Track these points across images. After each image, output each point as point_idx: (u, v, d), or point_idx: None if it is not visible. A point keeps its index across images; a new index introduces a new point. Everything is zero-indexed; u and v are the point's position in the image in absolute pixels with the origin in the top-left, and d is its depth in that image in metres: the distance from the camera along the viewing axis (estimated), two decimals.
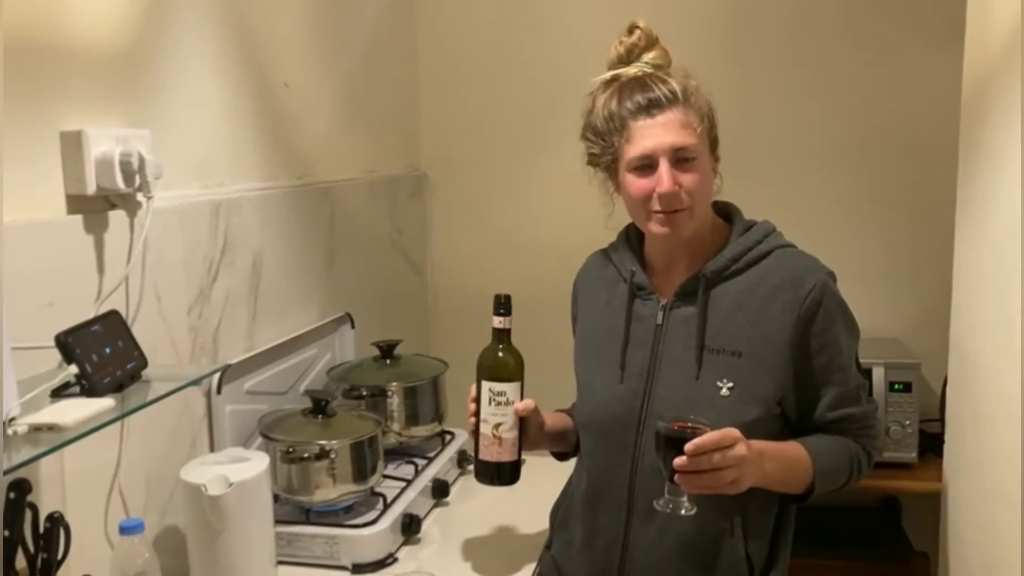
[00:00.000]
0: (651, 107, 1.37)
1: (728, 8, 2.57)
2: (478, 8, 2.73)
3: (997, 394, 1.37)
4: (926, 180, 2.42)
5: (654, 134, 1.36)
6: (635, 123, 1.38)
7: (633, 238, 1.54)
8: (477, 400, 1.46)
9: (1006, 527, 1.32)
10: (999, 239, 1.38)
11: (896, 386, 2.27)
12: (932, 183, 2.30)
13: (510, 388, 1.44)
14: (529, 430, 1.48)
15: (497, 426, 1.44)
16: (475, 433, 1.47)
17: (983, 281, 1.46)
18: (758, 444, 1.29)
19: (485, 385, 1.44)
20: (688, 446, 1.21)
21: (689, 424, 1.24)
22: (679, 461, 1.22)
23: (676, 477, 1.24)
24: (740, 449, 1.23)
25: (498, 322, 1.46)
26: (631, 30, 1.44)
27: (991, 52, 1.43)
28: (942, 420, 1.74)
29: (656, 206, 1.37)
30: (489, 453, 1.45)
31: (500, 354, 1.46)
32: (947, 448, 1.67)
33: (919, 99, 2.45)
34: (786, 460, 1.36)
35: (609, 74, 1.44)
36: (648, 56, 1.42)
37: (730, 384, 1.36)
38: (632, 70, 1.42)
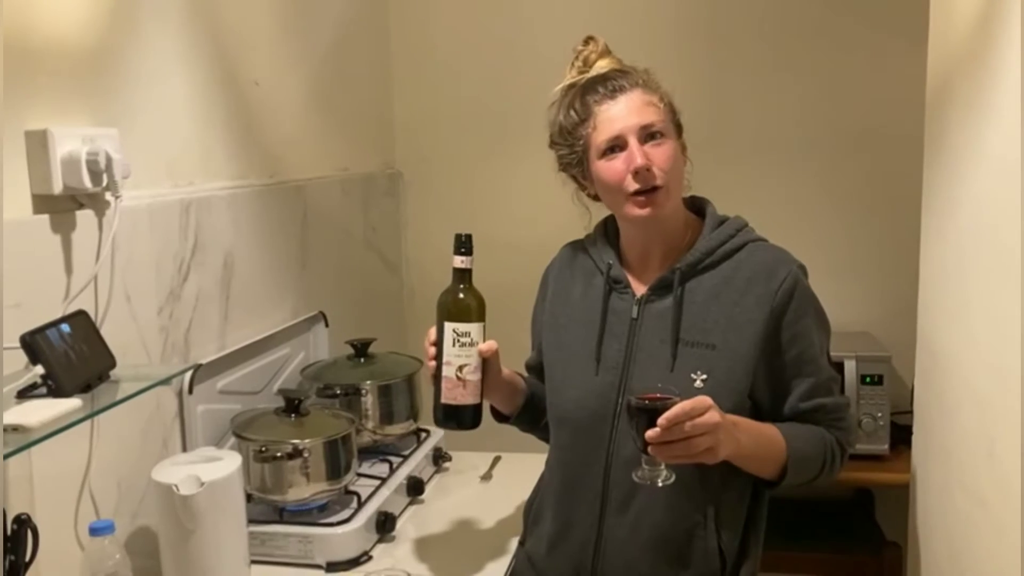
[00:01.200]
0: (614, 92, 1.41)
1: (699, 7, 2.58)
2: (452, 5, 2.73)
3: (963, 386, 1.38)
4: (895, 174, 2.44)
5: (620, 115, 1.39)
6: (599, 108, 1.41)
7: (611, 232, 1.55)
8: (438, 343, 1.43)
9: (972, 518, 1.33)
10: (962, 234, 1.40)
11: (867, 379, 2.29)
12: (901, 177, 2.31)
13: (474, 329, 1.42)
14: (489, 374, 1.46)
15: (461, 368, 1.41)
16: (435, 377, 1.43)
17: (948, 276, 1.48)
18: (732, 416, 1.30)
19: (448, 326, 1.41)
20: (660, 419, 1.21)
21: (659, 395, 1.25)
22: (651, 433, 1.22)
23: (650, 449, 1.24)
24: (712, 416, 1.23)
25: (460, 262, 1.43)
26: (586, 41, 1.49)
27: (953, 49, 1.45)
28: (913, 412, 1.76)
29: (632, 186, 1.38)
30: (452, 396, 1.41)
31: (462, 295, 1.43)
32: (915, 440, 1.69)
33: (889, 94, 2.47)
34: (760, 436, 1.36)
35: (567, 81, 1.48)
36: (602, 63, 1.47)
37: (704, 376, 1.38)
38: (592, 73, 1.46)
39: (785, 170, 2.57)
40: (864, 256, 2.56)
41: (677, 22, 2.57)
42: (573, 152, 1.46)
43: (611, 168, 1.40)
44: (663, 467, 1.28)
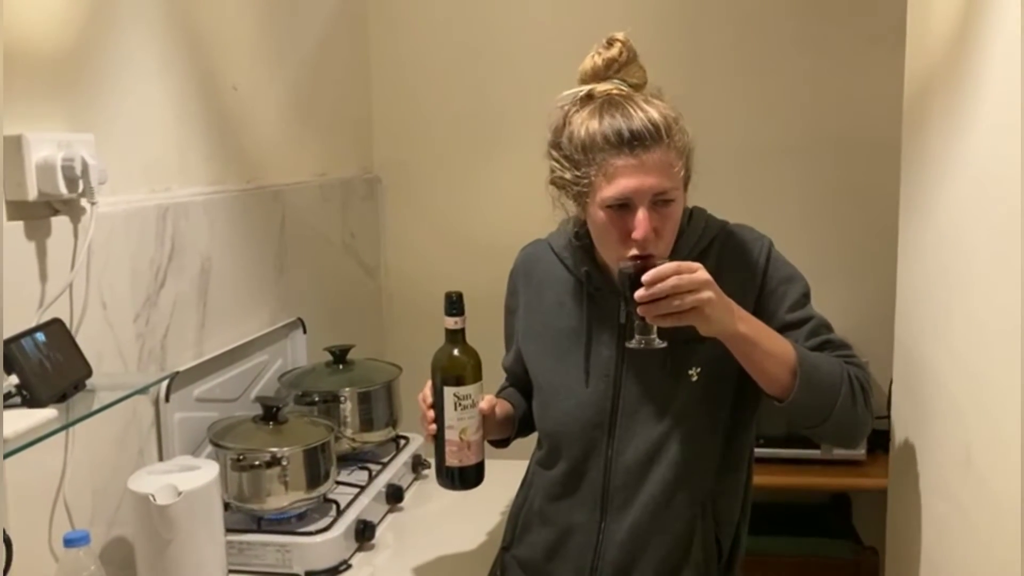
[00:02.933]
0: (634, 144, 1.28)
1: (677, 14, 2.59)
2: (431, 10, 2.72)
3: (940, 393, 1.39)
4: (872, 181, 2.46)
5: (636, 176, 1.28)
6: (615, 161, 1.29)
7: (583, 234, 1.47)
8: (436, 406, 1.41)
9: (949, 523, 1.34)
10: (941, 241, 1.41)
11: None
12: (878, 184, 2.33)
13: (473, 390, 1.40)
14: (488, 425, 1.45)
15: (464, 430, 1.40)
16: (435, 438, 1.42)
17: (926, 283, 1.49)
18: (731, 300, 1.28)
19: (448, 391, 1.39)
20: (646, 275, 1.21)
21: (651, 262, 1.25)
22: (639, 292, 1.21)
23: (639, 309, 1.24)
24: (701, 274, 1.22)
25: (452, 323, 1.41)
26: (611, 43, 1.37)
27: (931, 57, 1.46)
28: (890, 418, 1.77)
29: (630, 250, 1.31)
30: (456, 458, 1.41)
31: (458, 355, 1.41)
32: (893, 445, 1.70)
33: (865, 102, 2.49)
34: (763, 326, 1.32)
35: (584, 89, 1.37)
36: (626, 72, 1.37)
37: (699, 369, 1.39)
38: (607, 86, 1.36)
39: (761, 176, 2.59)
40: (840, 262, 2.57)
41: (655, 28, 2.58)
42: (576, 183, 1.35)
43: (612, 225, 1.32)
44: (655, 332, 1.28)
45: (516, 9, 2.67)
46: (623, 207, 1.31)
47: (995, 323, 1.15)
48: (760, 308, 1.40)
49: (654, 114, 1.30)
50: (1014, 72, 1.08)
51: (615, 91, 1.35)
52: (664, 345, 1.29)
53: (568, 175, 1.35)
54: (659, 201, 1.30)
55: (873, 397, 1.41)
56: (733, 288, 1.36)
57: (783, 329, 1.38)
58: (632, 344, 1.30)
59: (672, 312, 1.22)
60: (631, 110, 1.30)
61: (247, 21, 2.05)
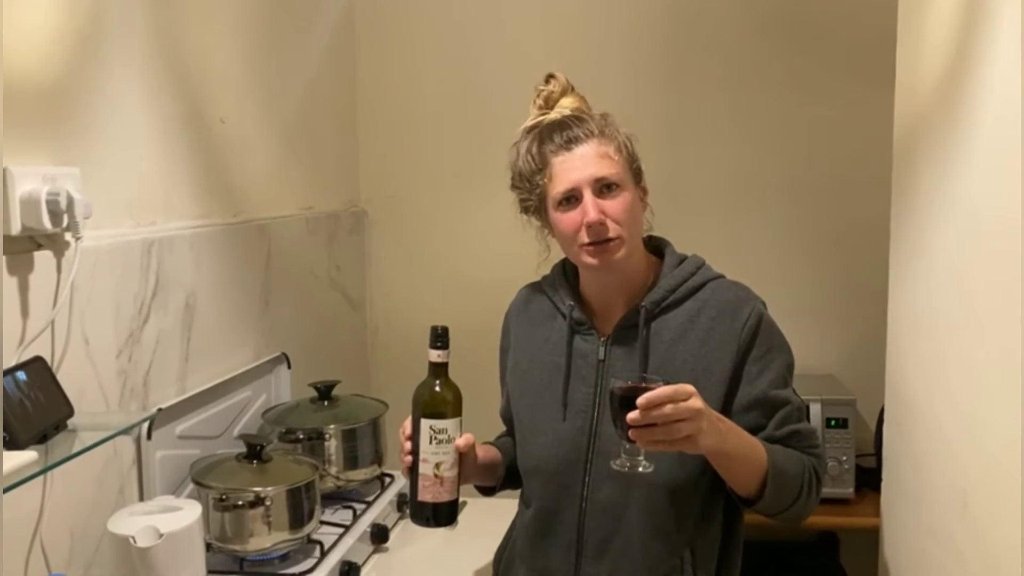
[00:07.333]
0: (569, 143, 1.40)
1: (663, 53, 2.60)
2: (418, 46, 2.73)
3: (934, 436, 1.39)
4: (859, 216, 2.46)
5: (574, 168, 1.39)
6: (555, 159, 1.41)
7: (570, 273, 1.54)
8: (414, 438, 1.40)
9: (945, 568, 1.33)
10: (932, 283, 1.41)
11: (833, 422, 2.30)
12: (865, 219, 2.34)
13: (451, 425, 1.39)
14: (466, 465, 1.44)
15: (438, 465, 1.38)
16: (411, 471, 1.41)
17: (917, 324, 1.49)
18: (717, 415, 1.28)
19: (425, 423, 1.38)
20: (640, 399, 1.20)
21: (643, 384, 1.24)
22: (632, 416, 1.20)
23: (631, 433, 1.22)
24: (694, 403, 1.22)
25: (436, 356, 1.41)
26: (547, 79, 1.48)
27: (921, 99, 1.47)
28: (878, 454, 1.77)
29: (585, 238, 1.38)
30: (429, 493, 1.39)
31: (439, 389, 1.40)
32: (884, 486, 1.69)
33: (852, 139, 2.51)
34: (743, 438, 1.34)
35: (531, 122, 1.47)
36: (565, 102, 1.46)
37: None
38: (552, 115, 1.46)
39: (749, 213, 2.59)
40: (827, 299, 2.58)
41: (641, 68, 2.59)
42: (531, 198, 1.46)
43: (565, 220, 1.40)
44: (642, 456, 1.27)
45: (503, 46, 2.68)
46: (573, 201, 1.39)
47: (993, 364, 1.14)
48: (738, 370, 1.40)
49: (587, 120, 1.43)
50: (1010, 112, 1.08)
51: (557, 116, 1.45)
52: (651, 469, 1.29)
53: (526, 194, 1.46)
54: (604, 188, 1.39)
55: (824, 479, 1.45)
56: (714, 340, 1.40)
57: (760, 402, 1.40)
58: (616, 466, 1.30)
59: (664, 439, 1.22)
60: (567, 122, 1.43)
61: (235, 55, 2.04)
